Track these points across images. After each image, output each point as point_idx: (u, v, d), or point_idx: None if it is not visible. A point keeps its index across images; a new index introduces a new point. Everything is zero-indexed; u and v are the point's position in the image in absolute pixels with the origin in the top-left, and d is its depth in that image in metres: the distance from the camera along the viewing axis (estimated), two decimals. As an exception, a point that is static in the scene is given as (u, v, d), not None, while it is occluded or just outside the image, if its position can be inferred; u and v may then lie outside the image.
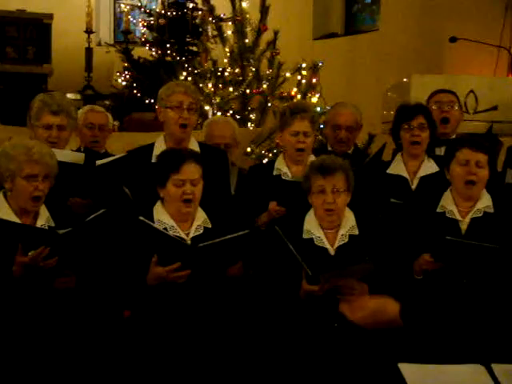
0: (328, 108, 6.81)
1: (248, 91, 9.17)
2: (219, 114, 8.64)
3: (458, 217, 4.42)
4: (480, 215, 4.42)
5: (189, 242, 4.25)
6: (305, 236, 4.36)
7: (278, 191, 4.85)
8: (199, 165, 4.27)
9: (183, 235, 4.26)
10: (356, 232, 4.38)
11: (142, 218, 4.07)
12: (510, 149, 5.66)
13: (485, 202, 4.45)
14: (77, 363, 4.14)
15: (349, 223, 4.39)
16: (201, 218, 4.35)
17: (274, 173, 5.02)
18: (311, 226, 4.38)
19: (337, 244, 4.35)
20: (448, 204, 4.46)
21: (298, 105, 5.20)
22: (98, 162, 4.96)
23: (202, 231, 4.31)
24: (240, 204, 4.96)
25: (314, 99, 9.00)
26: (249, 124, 8.99)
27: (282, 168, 4.99)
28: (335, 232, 4.37)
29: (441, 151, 5.16)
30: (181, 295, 4.18)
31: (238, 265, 4.37)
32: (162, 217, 4.30)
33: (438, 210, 4.46)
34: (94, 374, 4.15)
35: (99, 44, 12.16)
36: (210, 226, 4.34)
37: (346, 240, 4.36)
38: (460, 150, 4.42)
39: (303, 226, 4.39)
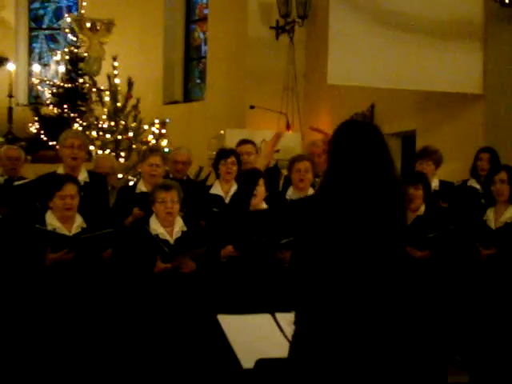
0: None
1: (119, 137, 9.15)
2: (100, 152, 8.62)
3: None
4: None
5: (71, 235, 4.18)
6: (152, 232, 4.30)
7: (140, 203, 4.82)
8: None
9: (67, 232, 4.18)
10: (185, 229, 4.40)
11: (37, 225, 4.09)
12: (286, 177, 5.85)
13: None
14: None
15: (179, 223, 4.39)
16: (79, 221, 4.30)
17: (137, 191, 5.03)
18: (156, 226, 4.34)
19: (174, 236, 4.36)
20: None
21: (154, 146, 5.19)
22: (16, 183, 4.85)
23: (80, 230, 4.27)
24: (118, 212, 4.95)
25: (164, 143, 9.13)
26: (120, 159, 8.97)
27: (142, 188, 5.00)
28: (171, 229, 4.33)
29: None
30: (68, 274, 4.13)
31: (109, 250, 4.39)
32: (52, 221, 4.20)
33: None
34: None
35: (17, 104, 11.76)
36: (85, 226, 4.28)
37: (180, 234, 4.40)
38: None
39: (149, 226, 4.33)
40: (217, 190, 5.05)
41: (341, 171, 2.37)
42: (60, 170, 4.87)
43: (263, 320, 2.99)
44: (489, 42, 6.95)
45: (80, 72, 9.97)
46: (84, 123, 9.23)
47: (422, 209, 4.60)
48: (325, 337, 2.27)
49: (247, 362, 2.74)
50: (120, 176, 7.89)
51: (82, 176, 4.83)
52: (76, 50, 10.31)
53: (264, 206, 4.49)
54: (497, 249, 4.40)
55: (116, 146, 9.15)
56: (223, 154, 5.10)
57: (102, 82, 9.66)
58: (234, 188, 4.96)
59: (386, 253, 2.33)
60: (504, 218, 4.47)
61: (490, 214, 4.52)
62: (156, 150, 5.12)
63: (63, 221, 4.21)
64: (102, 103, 9.36)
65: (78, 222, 4.28)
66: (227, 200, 4.94)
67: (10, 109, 11.11)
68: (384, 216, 2.33)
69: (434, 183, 5.35)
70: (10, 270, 4.28)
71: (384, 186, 2.34)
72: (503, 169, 4.58)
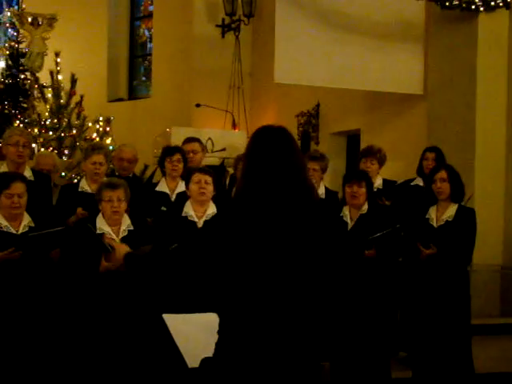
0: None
1: (63, 134, 9.02)
2: (42, 149, 8.46)
3: (196, 219, 4.39)
4: (209, 219, 4.37)
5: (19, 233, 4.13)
6: (98, 231, 4.17)
7: (82, 202, 4.77)
8: None
9: (14, 231, 4.12)
10: (132, 228, 4.35)
11: None
12: (232, 176, 5.89)
13: (211, 209, 4.42)
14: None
15: (126, 222, 4.35)
16: (27, 219, 4.23)
17: (79, 190, 4.95)
18: (102, 225, 4.25)
19: (121, 235, 4.30)
20: (189, 210, 4.40)
21: (96, 144, 5.11)
22: None
23: (28, 228, 4.20)
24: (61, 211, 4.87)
25: (108, 141, 9.03)
26: (63, 157, 8.83)
27: (85, 187, 4.93)
28: (118, 228, 4.27)
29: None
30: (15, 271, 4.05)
31: (57, 249, 4.29)
32: None
33: (183, 214, 4.40)
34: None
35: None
36: (33, 225, 4.22)
37: (127, 233, 4.34)
38: (194, 174, 4.45)
39: (96, 224, 4.23)
40: (163, 187, 5.04)
41: (252, 177, 2.39)
42: (3, 167, 4.83)
43: (209, 319, 2.88)
44: (430, 43, 7.14)
45: (21, 68, 9.71)
46: (26, 120, 9.05)
47: (366, 207, 4.68)
48: (246, 346, 2.28)
49: (193, 361, 2.69)
50: (63, 174, 7.79)
51: (27, 174, 4.77)
52: (17, 45, 10.05)
53: (212, 204, 4.50)
54: (437, 246, 4.50)
55: (59, 143, 9.01)
56: (168, 151, 5.09)
57: (44, 79, 9.48)
58: (180, 185, 4.95)
59: (301, 256, 2.35)
60: (445, 216, 4.57)
61: (432, 213, 4.62)
62: (98, 147, 5.05)
63: (11, 219, 4.15)
64: (45, 100, 9.20)
65: (26, 221, 4.22)
66: (173, 198, 4.93)
67: None
68: (294, 220, 2.36)
69: (378, 182, 5.46)
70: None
71: (293, 189, 2.38)
72: (443, 167, 4.69)
